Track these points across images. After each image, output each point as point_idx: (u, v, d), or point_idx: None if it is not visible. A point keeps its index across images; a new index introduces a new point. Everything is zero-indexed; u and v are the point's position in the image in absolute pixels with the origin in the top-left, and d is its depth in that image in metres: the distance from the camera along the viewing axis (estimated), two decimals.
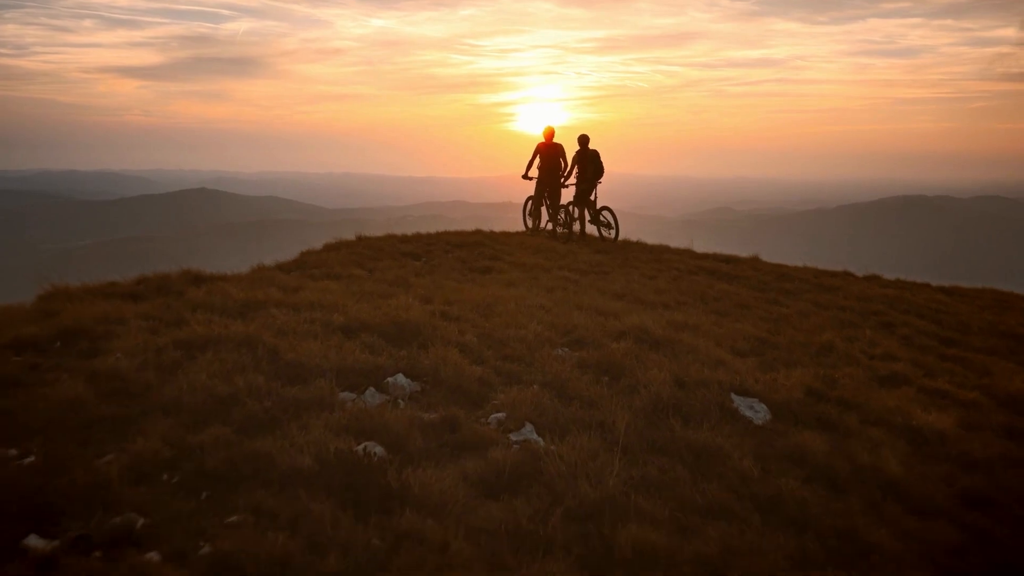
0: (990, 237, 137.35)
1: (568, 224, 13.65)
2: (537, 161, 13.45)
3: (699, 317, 6.94)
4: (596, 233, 13.75)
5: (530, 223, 14.03)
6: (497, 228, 13.44)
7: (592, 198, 13.53)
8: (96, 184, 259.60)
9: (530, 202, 13.95)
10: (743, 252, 13.44)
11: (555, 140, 13.43)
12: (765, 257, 13.10)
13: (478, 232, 12.32)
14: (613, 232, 13.51)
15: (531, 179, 13.57)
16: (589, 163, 13.36)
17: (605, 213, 13.58)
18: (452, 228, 13.00)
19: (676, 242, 13.86)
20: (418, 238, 11.21)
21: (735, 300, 8.78)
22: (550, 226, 13.70)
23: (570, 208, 13.66)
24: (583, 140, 13.45)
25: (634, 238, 14.02)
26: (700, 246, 13.77)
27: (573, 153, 13.46)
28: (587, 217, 13.60)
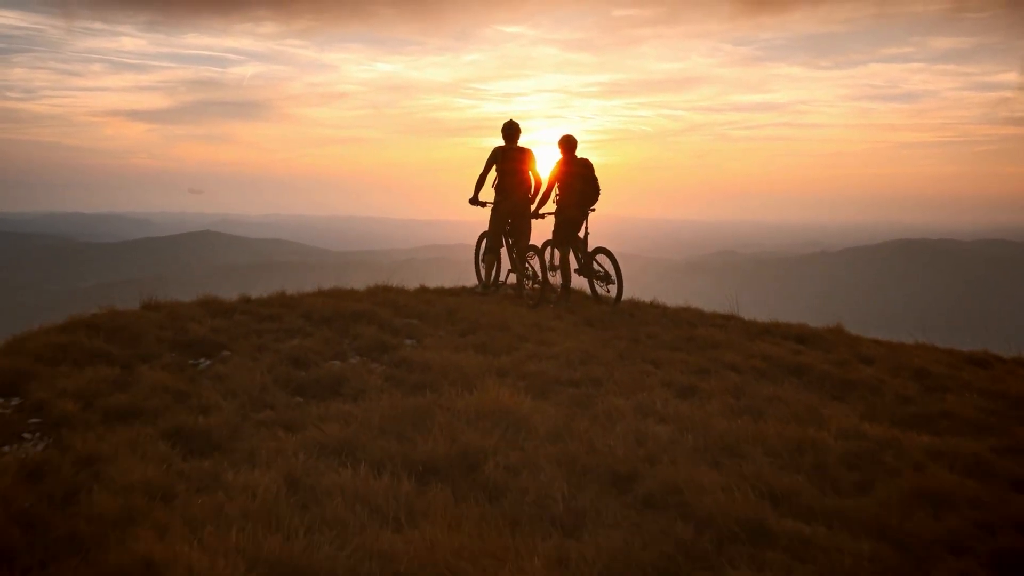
0: (996, 281, 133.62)
1: (542, 276, 8.53)
2: (494, 176, 8.44)
3: None
4: (588, 290, 8.69)
5: (483, 274, 8.90)
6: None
7: (581, 234, 8.52)
8: (101, 226, 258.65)
9: (484, 241, 8.85)
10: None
11: (522, 145, 8.46)
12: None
13: (380, 289, 7.14)
14: (613, 288, 8.41)
15: (484, 205, 8.56)
16: (576, 179, 8.37)
17: (600, 258, 8.51)
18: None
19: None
20: (247, 308, 6.01)
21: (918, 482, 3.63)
22: (513, 279, 8.62)
23: (546, 251, 8.63)
24: (567, 144, 8.47)
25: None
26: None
27: (554, 165, 8.50)
28: (572, 264, 8.56)
